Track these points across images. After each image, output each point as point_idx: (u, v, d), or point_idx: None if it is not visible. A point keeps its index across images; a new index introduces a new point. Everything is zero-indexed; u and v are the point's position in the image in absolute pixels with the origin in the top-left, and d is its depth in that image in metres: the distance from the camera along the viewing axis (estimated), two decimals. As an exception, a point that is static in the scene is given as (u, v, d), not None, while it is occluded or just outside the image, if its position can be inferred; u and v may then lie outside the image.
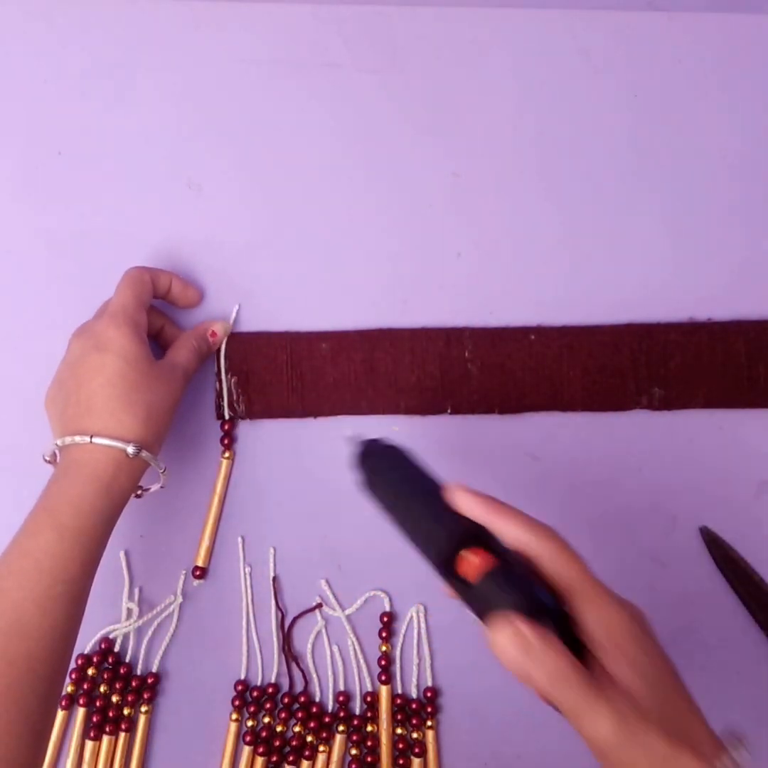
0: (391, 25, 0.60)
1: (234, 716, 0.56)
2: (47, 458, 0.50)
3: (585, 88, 0.61)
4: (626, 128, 0.61)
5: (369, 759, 0.56)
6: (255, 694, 0.56)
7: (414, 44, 0.60)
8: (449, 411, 0.58)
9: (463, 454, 0.58)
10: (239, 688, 0.56)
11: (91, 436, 0.47)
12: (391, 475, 0.46)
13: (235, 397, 0.56)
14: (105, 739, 0.54)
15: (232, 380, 0.56)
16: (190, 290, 0.56)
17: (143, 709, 0.55)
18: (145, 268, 0.54)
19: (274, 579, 0.57)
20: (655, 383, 0.59)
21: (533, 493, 0.59)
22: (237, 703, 0.56)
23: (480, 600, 0.40)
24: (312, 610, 0.57)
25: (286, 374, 0.57)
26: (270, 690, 0.56)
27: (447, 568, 0.41)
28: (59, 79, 0.58)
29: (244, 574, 0.57)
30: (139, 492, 0.52)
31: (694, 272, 0.60)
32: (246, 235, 0.58)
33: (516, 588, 0.39)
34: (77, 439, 0.47)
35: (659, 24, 0.62)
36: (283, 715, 0.56)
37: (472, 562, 0.40)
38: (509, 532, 0.41)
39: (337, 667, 0.57)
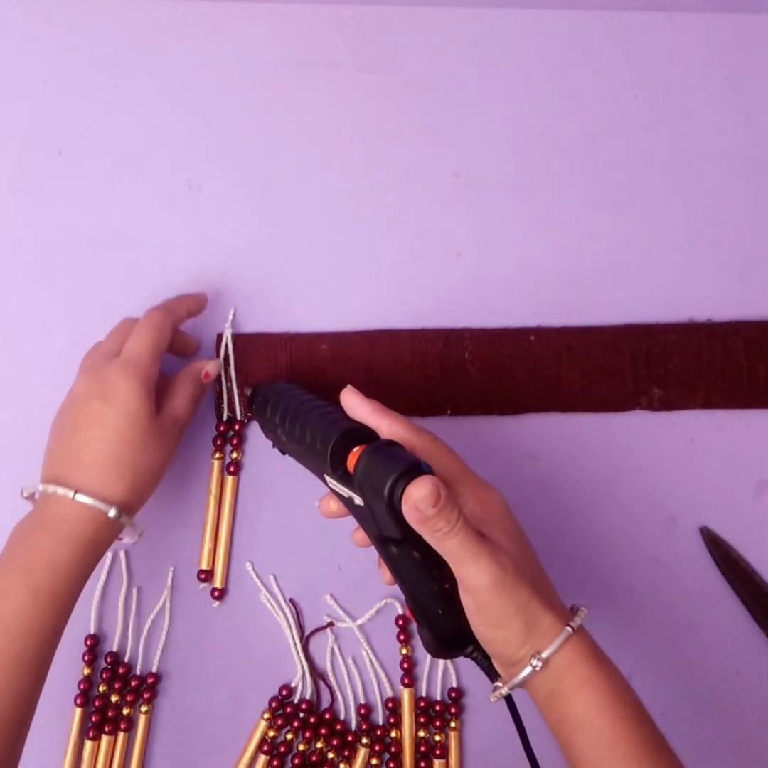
0: (391, 25, 0.60)
1: (263, 726, 0.56)
2: (25, 496, 0.48)
3: (585, 88, 0.61)
4: (626, 128, 0.61)
5: (391, 765, 0.56)
6: (288, 709, 0.56)
7: (414, 44, 0.60)
8: (449, 412, 0.58)
9: (463, 455, 0.58)
10: (273, 704, 0.56)
11: (75, 492, 0.46)
12: (283, 396, 0.51)
13: (235, 397, 0.56)
14: (104, 739, 0.54)
15: (232, 381, 0.56)
16: (202, 300, 0.56)
17: (143, 709, 0.55)
18: (167, 313, 0.52)
19: (292, 600, 0.57)
20: (654, 384, 0.58)
21: (533, 494, 0.59)
22: (267, 715, 0.56)
23: (366, 477, 0.43)
24: (323, 629, 0.57)
25: (285, 375, 0.57)
26: (304, 706, 0.56)
27: (335, 464, 0.45)
28: (59, 79, 0.58)
29: (249, 573, 0.57)
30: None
31: (693, 273, 0.60)
32: (246, 235, 0.58)
33: (397, 456, 0.43)
34: (60, 491, 0.46)
35: (659, 24, 0.62)
36: (307, 734, 0.56)
37: (357, 453, 0.44)
38: (391, 430, 0.46)
39: (355, 679, 0.57)
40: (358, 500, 0.44)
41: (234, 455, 0.57)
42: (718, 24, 0.62)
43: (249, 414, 0.56)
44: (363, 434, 0.46)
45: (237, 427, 0.57)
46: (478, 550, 0.41)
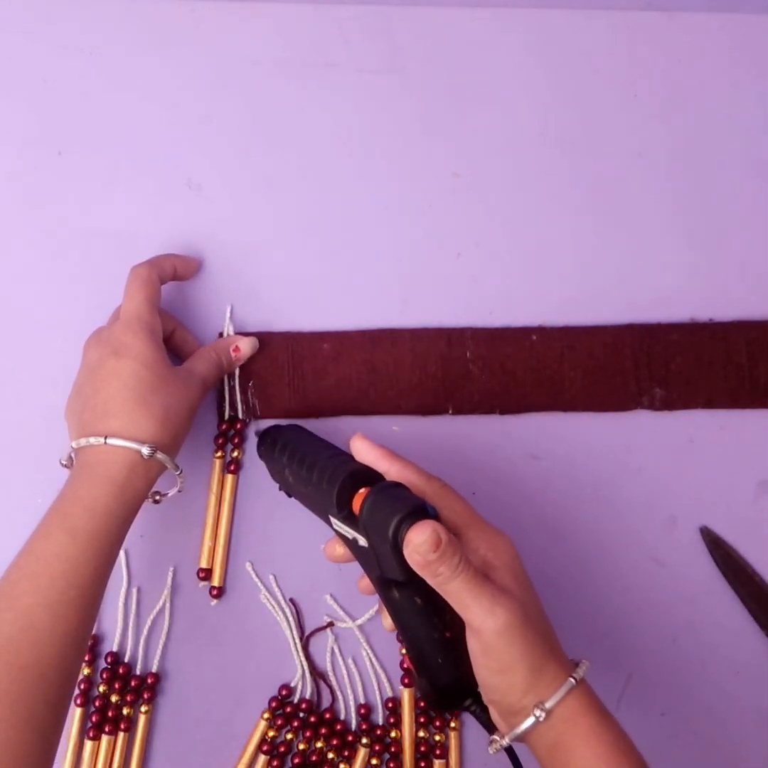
0: (391, 25, 0.60)
1: (262, 726, 0.56)
2: (64, 462, 0.49)
3: (585, 88, 0.61)
4: (626, 128, 0.61)
5: (391, 765, 0.56)
6: (288, 709, 0.56)
7: (414, 44, 0.60)
8: (450, 411, 0.58)
9: (464, 454, 0.58)
10: (273, 704, 0.56)
11: (106, 437, 0.47)
12: (291, 439, 0.52)
13: (237, 396, 0.56)
14: (104, 739, 0.54)
15: (234, 379, 0.56)
16: (192, 263, 0.56)
17: (143, 709, 0.55)
18: (151, 266, 0.53)
19: (292, 600, 0.57)
20: (656, 383, 0.58)
21: (534, 494, 0.58)
22: (267, 715, 0.56)
23: (371, 518, 0.43)
24: (323, 629, 0.57)
25: (287, 374, 0.57)
26: (304, 706, 0.56)
27: (341, 504, 0.45)
28: (59, 79, 0.58)
29: (249, 573, 0.57)
30: (157, 497, 0.51)
31: (695, 273, 0.60)
32: (246, 235, 0.58)
33: (402, 498, 0.43)
34: (92, 440, 0.47)
35: (659, 24, 0.62)
36: (307, 733, 0.56)
37: (363, 494, 0.44)
38: (401, 475, 0.46)
39: (355, 679, 0.57)
40: (362, 541, 0.44)
41: (235, 454, 0.57)
42: (718, 24, 0.62)
43: (258, 453, 0.56)
44: (370, 476, 0.46)
45: (238, 426, 0.57)
46: (482, 593, 0.41)
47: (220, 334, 0.57)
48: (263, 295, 0.58)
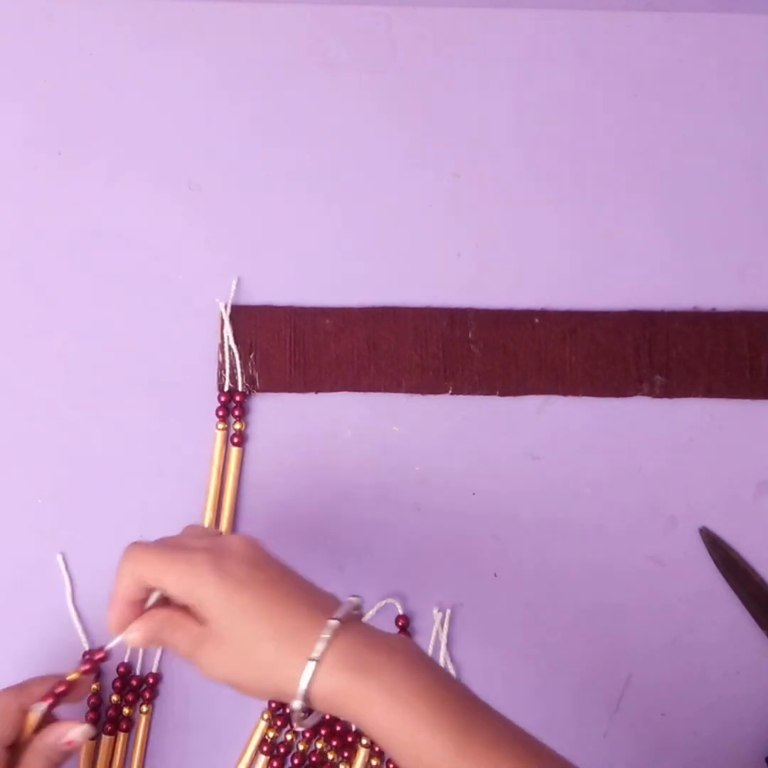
0: (391, 25, 0.60)
1: (262, 726, 0.56)
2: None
3: (585, 88, 0.61)
4: (626, 128, 0.61)
5: (391, 765, 0.56)
6: (288, 709, 0.56)
7: (414, 44, 0.60)
8: (450, 391, 0.58)
9: (463, 434, 0.59)
10: (273, 704, 0.56)
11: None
12: None
13: (238, 368, 0.57)
14: (104, 739, 0.54)
15: (234, 352, 0.57)
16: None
17: (143, 709, 0.55)
18: (14, 694, 0.43)
19: None
20: (656, 371, 0.59)
21: (534, 494, 0.58)
22: (267, 715, 0.56)
23: None
24: None
25: (288, 348, 0.57)
26: None
27: None
28: (59, 79, 0.58)
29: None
30: None
31: (698, 262, 0.60)
32: (246, 235, 0.58)
33: None
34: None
35: (659, 24, 0.62)
36: (307, 734, 0.56)
37: None
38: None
39: None
40: None
41: (237, 426, 0.57)
42: (718, 24, 0.62)
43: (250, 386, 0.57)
44: None
45: (238, 398, 0.57)
46: None
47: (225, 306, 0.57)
48: (260, 295, 0.58)
